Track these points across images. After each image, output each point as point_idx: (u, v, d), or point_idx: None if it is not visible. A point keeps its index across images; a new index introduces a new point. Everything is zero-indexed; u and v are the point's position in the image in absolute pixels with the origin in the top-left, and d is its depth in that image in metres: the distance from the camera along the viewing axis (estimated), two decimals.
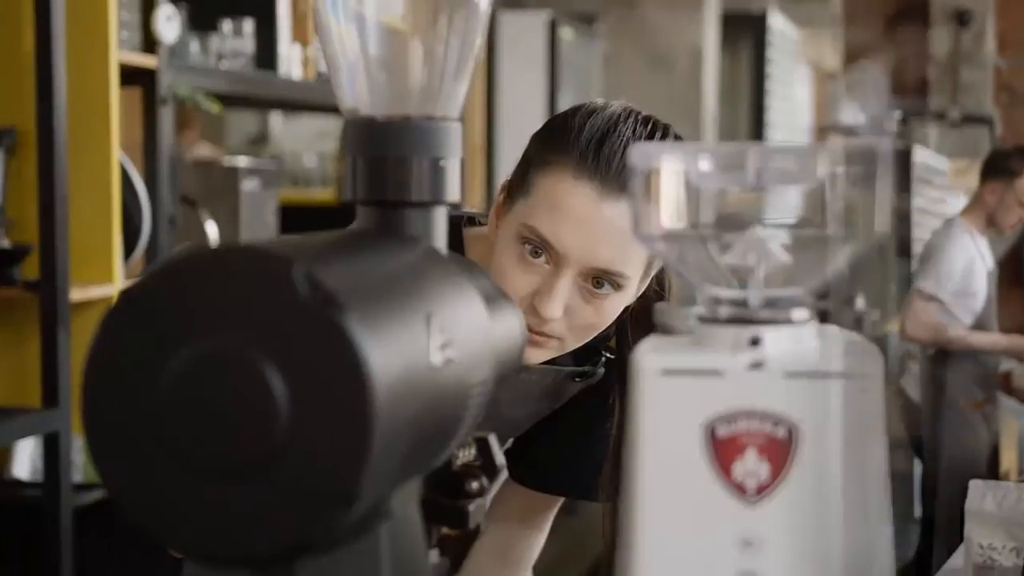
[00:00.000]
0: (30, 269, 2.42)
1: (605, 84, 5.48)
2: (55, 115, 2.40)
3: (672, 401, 0.69)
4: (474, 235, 1.40)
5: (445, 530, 0.81)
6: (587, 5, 5.75)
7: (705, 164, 0.71)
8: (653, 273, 1.33)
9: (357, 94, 0.82)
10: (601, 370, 1.41)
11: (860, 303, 6.28)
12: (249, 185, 3.03)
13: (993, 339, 4.42)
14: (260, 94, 3.26)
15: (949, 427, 4.26)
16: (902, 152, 6.82)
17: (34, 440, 2.60)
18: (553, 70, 5.12)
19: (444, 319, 0.71)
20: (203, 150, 4.32)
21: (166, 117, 2.72)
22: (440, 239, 0.82)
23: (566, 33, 5.14)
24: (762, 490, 0.67)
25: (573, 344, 1.29)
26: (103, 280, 2.55)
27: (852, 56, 7.38)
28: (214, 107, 2.84)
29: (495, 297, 0.86)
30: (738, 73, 7.49)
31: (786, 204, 0.72)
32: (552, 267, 1.24)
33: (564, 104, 6.00)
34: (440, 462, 0.77)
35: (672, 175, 0.71)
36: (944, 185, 7.62)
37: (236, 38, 3.08)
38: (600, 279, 1.24)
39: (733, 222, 0.73)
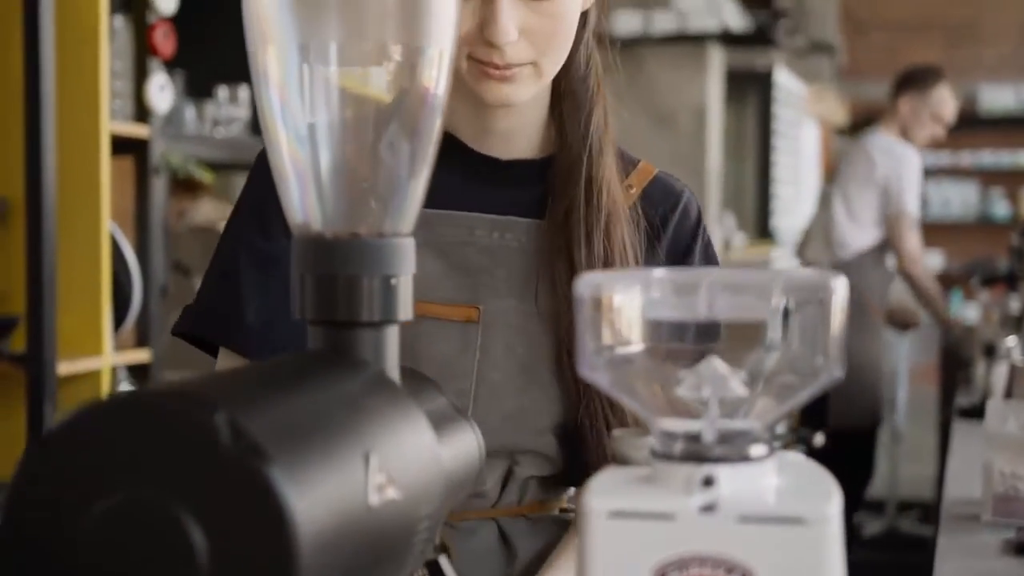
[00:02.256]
0: (17, 341, 2.40)
1: None
2: (44, 185, 2.38)
3: (621, 545, 0.65)
4: None
5: None
6: None
7: (655, 293, 0.68)
8: None
9: (307, 209, 0.80)
10: None
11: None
12: None
13: (945, 305, 4.59)
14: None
15: (863, 338, 4.26)
16: (764, 74, 6.89)
17: None
18: None
19: (386, 455, 0.68)
20: (207, 208, 4.31)
21: (158, 187, 2.70)
22: (391, 359, 0.79)
23: None
24: None
25: (550, 66, 1.20)
26: (92, 352, 2.52)
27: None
28: (207, 176, 2.82)
29: (448, 417, 0.83)
30: (744, 129, 7.48)
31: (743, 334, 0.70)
32: None
33: None
34: None
35: (621, 304, 0.68)
36: (800, 108, 7.71)
37: (231, 104, 3.08)
38: None
39: (687, 352, 0.70)
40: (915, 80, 4.49)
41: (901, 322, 4.82)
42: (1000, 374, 3.02)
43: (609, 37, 1.34)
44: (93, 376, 2.55)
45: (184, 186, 3.38)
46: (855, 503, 4.52)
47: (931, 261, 10.19)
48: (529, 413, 1.24)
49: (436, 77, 0.79)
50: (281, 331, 1.20)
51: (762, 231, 7.43)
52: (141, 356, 2.76)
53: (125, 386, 2.82)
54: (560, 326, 1.22)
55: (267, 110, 0.79)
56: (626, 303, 0.68)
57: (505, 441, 1.24)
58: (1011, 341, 3.08)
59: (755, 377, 0.68)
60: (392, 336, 0.79)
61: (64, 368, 2.44)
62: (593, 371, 0.69)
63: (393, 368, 0.79)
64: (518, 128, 1.28)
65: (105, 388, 2.57)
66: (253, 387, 0.66)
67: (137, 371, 2.78)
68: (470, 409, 1.22)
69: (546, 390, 1.23)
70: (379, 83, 0.78)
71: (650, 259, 1.29)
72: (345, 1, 0.76)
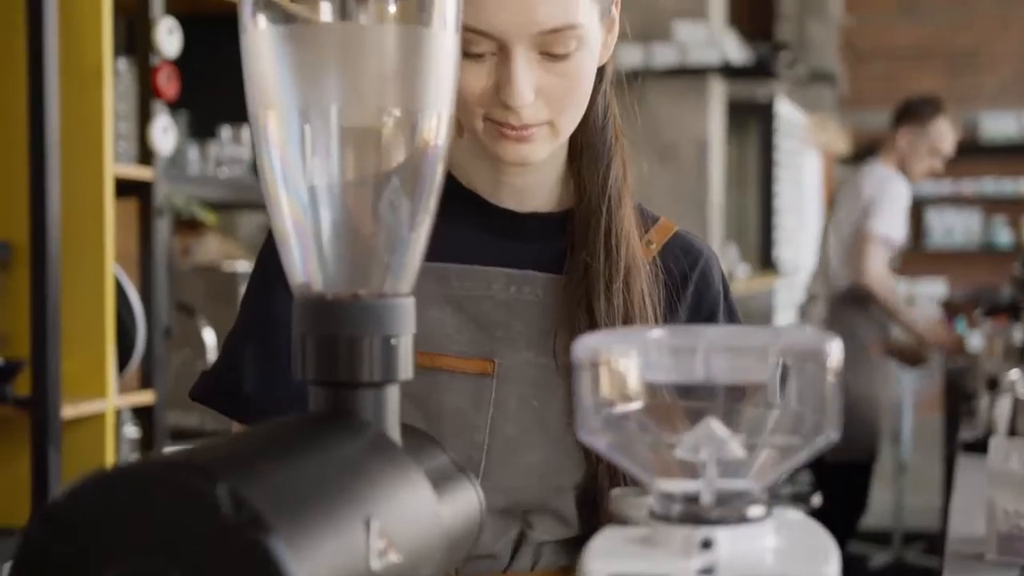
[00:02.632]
0: (22, 385, 2.41)
1: None
2: (49, 228, 2.39)
3: None
4: None
5: None
6: None
7: (652, 356, 0.69)
8: (616, 12, 1.24)
9: (308, 270, 0.81)
10: None
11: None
12: None
13: (913, 319, 4.54)
14: (258, 200, 3.26)
15: (859, 371, 4.24)
16: (765, 104, 6.90)
17: None
18: None
19: (387, 519, 0.69)
20: (212, 245, 4.32)
21: (162, 228, 2.72)
22: (392, 419, 0.80)
23: None
24: None
25: (567, 124, 1.19)
26: (96, 395, 2.53)
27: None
28: (210, 217, 2.84)
29: (449, 474, 0.83)
30: (746, 159, 7.50)
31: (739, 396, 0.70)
32: (499, 54, 1.14)
33: None
34: None
35: (618, 367, 0.69)
36: (801, 138, 7.73)
37: (235, 144, 3.09)
38: (554, 42, 1.13)
39: (685, 413, 0.70)
40: (913, 113, 4.50)
41: (908, 358, 4.79)
42: (1004, 408, 3.01)
43: (625, 78, 1.34)
44: (98, 419, 2.55)
45: (189, 223, 3.40)
46: (848, 534, 4.51)
47: (934, 289, 10.19)
48: (545, 469, 1.22)
49: (435, 138, 0.80)
50: (283, 399, 1.21)
51: (765, 262, 7.43)
52: (145, 398, 2.76)
53: (129, 428, 2.83)
54: None
55: (268, 171, 0.80)
56: (623, 366, 0.69)
57: (521, 498, 1.22)
58: (1014, 374, 3.07)
59: (753, 438, 0.68)
60: (393, 395, 0.80)
61: (68, 411, 2.44)
62: (591, 433, 0.69)
63: (394, 427, 0.80)
64: (535, 183, 1.27)
65: (110, 431, 2.58)
66: (254, 454, 0.66)
67: (141, 413, 2.79)
68: (482, 463, 1.21)
69: (564, 446, 1.21)
70: (379, 145, 0.79)
71: (671, 316, 1.27)
72: (344, 66, 0.77)
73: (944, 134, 4.51)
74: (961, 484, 2.57)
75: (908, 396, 5.80)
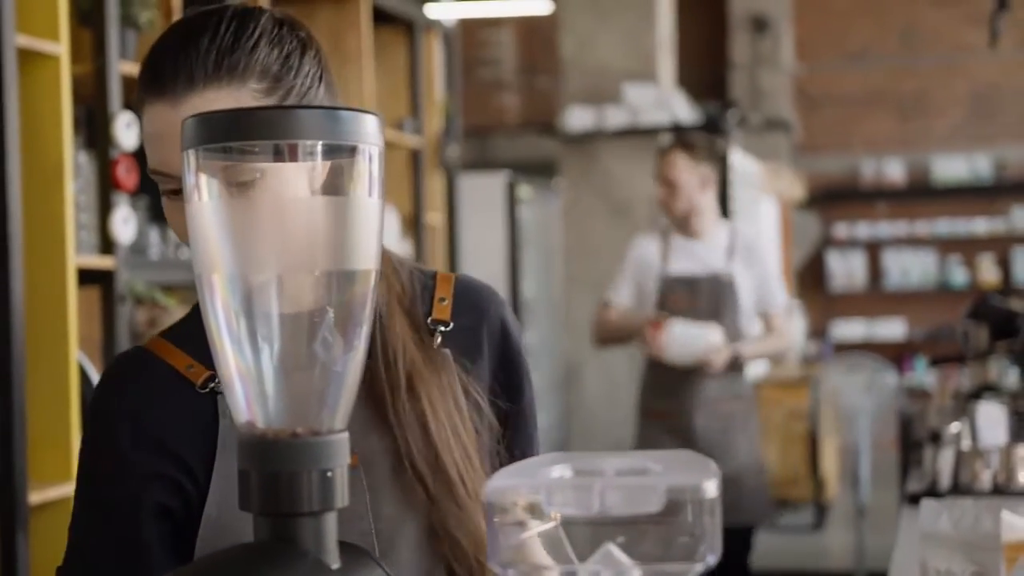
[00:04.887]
0: None
1: (565, 234, 5.61)
2: (13, 319, 2.47)
3: None
4: None
5: None
6: (547, 159, 5.90)
7: (555, 495, 0.78)
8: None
9: (251, 410, 0.90)
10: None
11: None
12: None
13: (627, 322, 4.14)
14: None
15: (742, 430, 4.11)
16: (719, 157, 6.92)
17: None
18: (513, 226, 5.24)
19: None
20: (176, 316, 4.37)
21: (123, 315, 2.80)
22: (330, 543, 0.88)
23: (524, 191, 5.26)
24: None
25: None
26: (63, 480, 2.60)
27: None
28: (170, 302, 2.92)
29: None
30: None
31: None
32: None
33: (525, 259, 6.13)
34: None
35: (524, 506, 0.78)
36: (757, 186, 7.83)
37: None
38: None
39: (587, 540, 0.80)
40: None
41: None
42: (946, 461, 3.09)
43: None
44: (63, 503, 2.62)
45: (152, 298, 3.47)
46: None
47: (893, 329, 10.37)
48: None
49: (366, 291, 0.90)
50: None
51: None
52: None
53: None
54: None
55: (212, 323, 0.89)
56: (530, 504, 0.78)
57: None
58: (955, 427, 3.15)
59: (646, 562, 0.78)
60: (330, 522, 0.89)
61: (35, 497, 2.51)
62: (502, 564, 0.78)
63: (332, 551, 0.89)
64: None
65: None
66: None
67: None
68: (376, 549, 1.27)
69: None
70: (314, 299, 0.89)
71: (475, 371, 1.31)
72: (282, 238, 0.87)
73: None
74: (903, 540, 2.66)
75: (866, 438, 5.90)
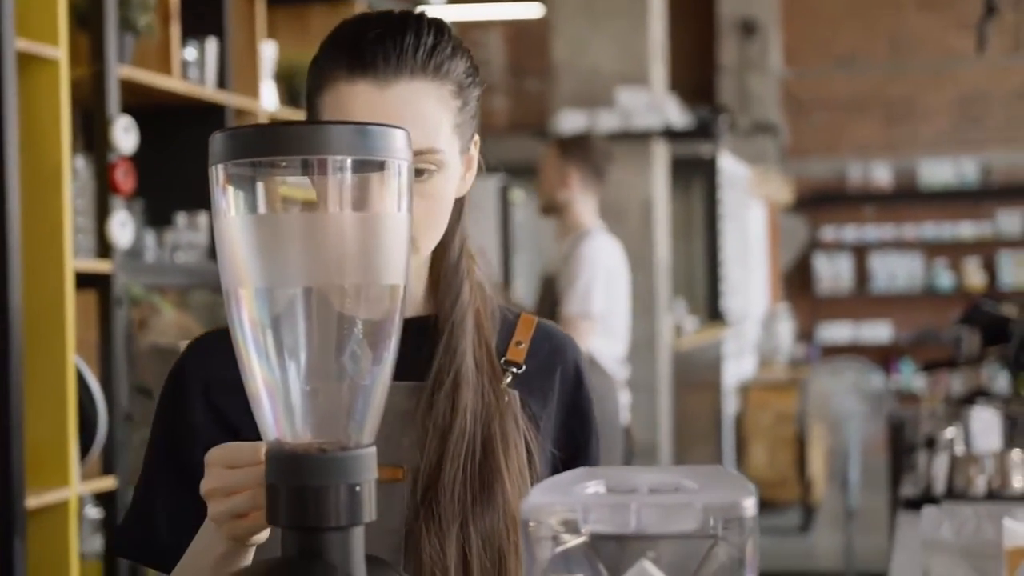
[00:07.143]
0: None
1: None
2: (11, 323, 2.46)
3: None
4: None
5: None
6: (538, 163, 5.88)
7: (591, 513, 0.78)
8: (475, 151, 1.30)
9: (279, 427, 0.89)
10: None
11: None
12: None
13: None
14: (214, 283, 3.33)
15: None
16: (708, 160, 6.94)
17: None
18: (506, 231, 5.23)
19: None
20: (168, 318, 4.35)
21: (120, 318, 2.79)
22: (357, 558, 0.88)
23: (517, 196, 5.26)
24: None
25: (426, 244, 1.24)
26: (60, 484, 2.59)
27: None
28: (166, 307, 2.91)
29: None
30: (692, 213, 7.65)
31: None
32: None
33: (518, 263, 6.13)
34: None
35: (560, 521, 0.78)
36: (745, 189, 7.83)
37: (191, 230, 3.17)
38: (415, 164, 1.14)
39: (623, 555, 0.80)
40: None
41: None
42: (941, 466, 3.09)
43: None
44: (61, 507, 2.61)
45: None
46: None
47: (879, 332, 10.39)
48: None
49: (394, 305, 0.90)
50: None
51: (713, 313, 7.56)
52: (107, 483, 2.83)
53: (91, 510, 2.88)
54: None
55: (240, 340, 0.89)
56: (566, 521, 0.78)
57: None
58: (950, 432, 3.15)
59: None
60: (358, 536, 0.89)
61: (32, 502, 2.50)
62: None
63: (359, 565, 0.89)
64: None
65: (73, 519, 2.63)
66: None
67: (103, 498, 2.85)
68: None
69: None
70: (341, 316, 0.89)
71: (542, 416, 1.32)
72: (309, 250, 0.87)
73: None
74: (900, 546, 2.66)
75: (855, 442, 5.92)
